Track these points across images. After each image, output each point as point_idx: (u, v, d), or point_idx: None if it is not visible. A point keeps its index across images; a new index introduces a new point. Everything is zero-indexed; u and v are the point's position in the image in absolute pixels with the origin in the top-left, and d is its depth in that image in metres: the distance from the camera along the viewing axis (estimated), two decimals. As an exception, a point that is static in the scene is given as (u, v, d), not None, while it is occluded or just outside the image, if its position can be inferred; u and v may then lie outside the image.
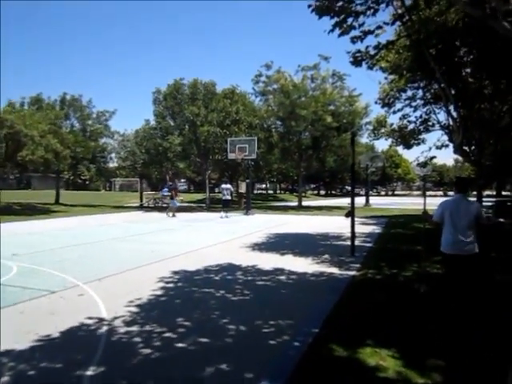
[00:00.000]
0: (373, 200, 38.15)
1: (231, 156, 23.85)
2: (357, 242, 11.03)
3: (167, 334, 4.40)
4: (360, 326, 4.67)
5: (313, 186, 78.71)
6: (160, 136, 29.19)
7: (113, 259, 9.09)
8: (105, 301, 5.68)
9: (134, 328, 4.60)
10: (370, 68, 10.37)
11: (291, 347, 4.09)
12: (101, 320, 4.88)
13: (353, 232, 9.52)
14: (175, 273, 7.57)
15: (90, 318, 4.93)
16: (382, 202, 38.68)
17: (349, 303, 5.64)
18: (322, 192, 76.52)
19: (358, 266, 8.24)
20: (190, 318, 4.92)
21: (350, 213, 9.47)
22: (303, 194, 53.11)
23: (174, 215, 21.44)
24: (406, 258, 8.89)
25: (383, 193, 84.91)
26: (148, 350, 3.98)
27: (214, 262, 8.61)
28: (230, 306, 5.50)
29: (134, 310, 5.30)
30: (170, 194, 23.57)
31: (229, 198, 22.18)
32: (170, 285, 6.70)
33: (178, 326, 4.66)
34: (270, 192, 69.94)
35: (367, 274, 7.41)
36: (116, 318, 4.97)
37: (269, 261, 8.82)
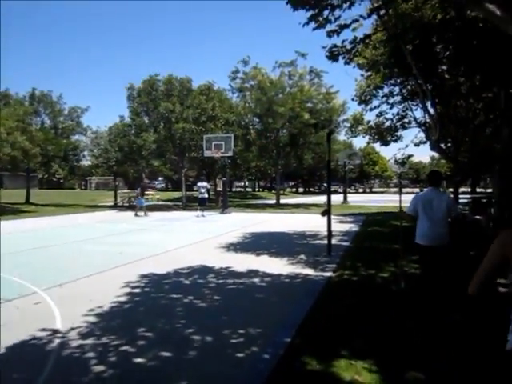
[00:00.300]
0: (351, 197, 38.25)
1: (207, 153, 23.40)
2: (333, 241, 10.82)
3: (125, 348, 4.02)
4: (335, 332, 4.38)
5: (291, 183, 78.78)
6: (134, 133, 28.47)
7: (78, 262, 8.59)
8: (62, 310, 5.25)
9: (90, 341, 4.19)
10: (347, 63, 10.14)
11: (260, 360, 3.76)
12: (54, 332, 4.46)
13: (329, 231, 9.28)
14: (143, 276, 7.16)
15: (42, 330, 4.50)
16: (360, 200, 38.79)
17: (324, 307, 5.35)
18: (301, 189, 76.65)
19: (334, 266, 7.98)
20: (152, 328, 4.55)
21: (327, 211, 9.22)
22: (281, 192, 53.03)
23: (145, 214, 20.89)
24: (384, 257, 8.70)
25: (361, 190, 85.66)
26: (101, 367, 3.59)
27: (186, 264, 8.22)
28: (198, 314, 5.14)
29: (93, 319, 4.88)
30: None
31: (205, 196, 21.74)
32: (136, 290, 6.30)
33: (139, 338, 4.27)
34: (249, 190, 69.70)
35: (343, 276, 7.16)
36: (72, 329, 4.55)
37: (243, 262, 8.50)
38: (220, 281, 6.88)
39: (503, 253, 1.82)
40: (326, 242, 9.73)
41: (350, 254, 9.47)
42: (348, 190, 69.53)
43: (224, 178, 23.93)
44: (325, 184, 76.10)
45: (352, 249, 10.24)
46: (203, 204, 21.23)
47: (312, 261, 8.66)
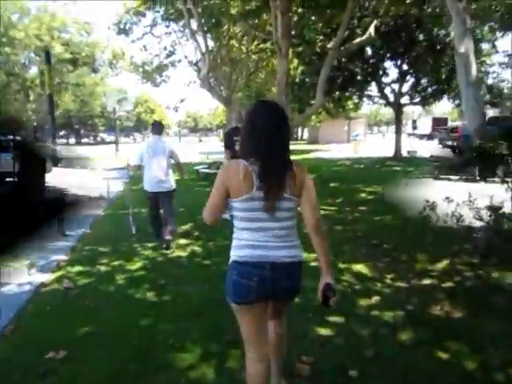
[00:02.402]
0: (127, 148, 34.75)
1: None
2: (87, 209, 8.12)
3: None
4: None
5: (62, 133, 68.69)
6: None
7: None
8: None
9: None
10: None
11: None
12: None
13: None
14: None
15: None
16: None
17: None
18: (72, 141, 67.75)
19: (61, 259, 5.21)
20: None
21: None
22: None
23: None
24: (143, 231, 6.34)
25: (140, 139, 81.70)
26: None
27: None
28: None
29: None
30: None
31: None
32: None
33: None
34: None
35: (63, 280, 4.42)
36: None
37: None
38: None
39: (226, 182, 1.85)
40: (75, 213, 6.96)
41: (98, 228, 6.78)
42: (126, 140, 65.19)
43: None
44: (101, 134, 69.42)
45: (104, 219, 7.58)
46: None
47: (36, 249, 5.69)
